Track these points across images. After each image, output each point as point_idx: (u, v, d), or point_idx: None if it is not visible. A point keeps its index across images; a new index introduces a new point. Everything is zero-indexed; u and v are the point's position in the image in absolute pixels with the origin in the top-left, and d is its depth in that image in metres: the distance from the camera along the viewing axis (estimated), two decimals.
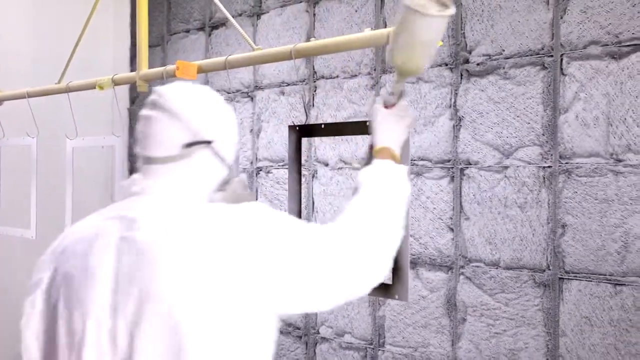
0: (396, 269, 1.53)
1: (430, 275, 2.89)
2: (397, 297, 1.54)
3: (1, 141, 3.11)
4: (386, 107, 1.42)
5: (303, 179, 3.39)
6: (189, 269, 1.05)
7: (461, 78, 2.80)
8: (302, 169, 3.41)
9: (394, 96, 1.42)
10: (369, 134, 1.44)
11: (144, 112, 1.23)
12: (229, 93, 3.81)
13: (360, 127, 1.58)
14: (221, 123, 1.25)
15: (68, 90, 2.41)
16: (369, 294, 1.62)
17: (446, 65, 2.84)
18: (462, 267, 2.79)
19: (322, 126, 1.68)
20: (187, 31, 4.13)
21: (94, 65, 4.06)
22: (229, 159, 1.26)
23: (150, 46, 4.39)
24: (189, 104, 1.22)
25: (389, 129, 1.39)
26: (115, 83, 2.21)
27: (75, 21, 3.87)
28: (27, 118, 2.94)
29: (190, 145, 1.19)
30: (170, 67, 2.01)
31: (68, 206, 2.46)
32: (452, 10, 1.27)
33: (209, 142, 1.21)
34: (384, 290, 1.57)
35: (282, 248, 1.10)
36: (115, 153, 2.26)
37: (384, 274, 1.21)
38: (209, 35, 3.97)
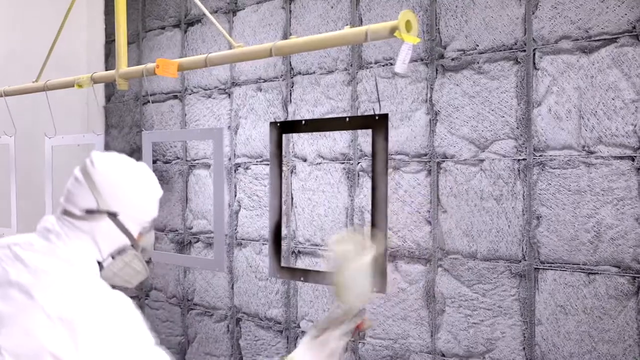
0: (375, 263, 1.56)
1: (409, 268, 2.93)
2: (375, 289, 1.57)
3: None
4: (317, 335, 1.50)
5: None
6: (40, 327, 1.14)
7: (436, 73, 2.84)
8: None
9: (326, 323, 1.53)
10: (349, 129, 1.50)
11: (76, 170, 1.39)
12: (206, 90, 3.81)
13: (340, 124, 1.60)
14: (132, 199, 1.37)
15: (46, 88, 2.40)
16: None
17: (422, 60, 2.88)
18: (440, 259, 2.83)
19: (304, 122, 1.71)
20: (163, 28, 4.11)
21: (68, 63, 4.03)
22: (134, 231, 1.39)
23: None
24: (107, 177, 1.35)
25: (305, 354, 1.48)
26: (95, 81, 2.20)
27: (47, 18, 3.84)
28: (3, 117, 2.91)
29: (90, 212, 1.32)
30: (150, 65, 2.01)
31: (48, 204, 2.45)
32: (368, 258, 1.49)
33: (112, 214, 1.34)
34: None
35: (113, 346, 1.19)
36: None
37: None
38: (185, 32, 3.96)
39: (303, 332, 3.35)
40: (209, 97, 3.80)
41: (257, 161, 3.54)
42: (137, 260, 1.42)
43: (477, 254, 2.72)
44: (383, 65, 3.01)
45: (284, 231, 3.41)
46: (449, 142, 2.80)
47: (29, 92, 2.51)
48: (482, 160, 2.70)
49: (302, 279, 1.76)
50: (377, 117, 1.56)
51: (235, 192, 3.66)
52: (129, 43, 4.31)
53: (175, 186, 4.00)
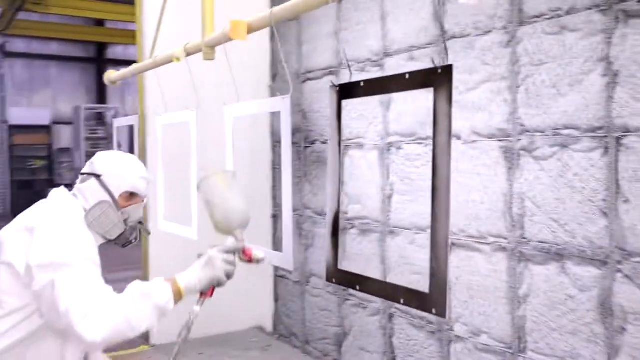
0: (434, 276, 1.14)
1: (579, 270, 2.34)
2: (434, 311, 1.15)
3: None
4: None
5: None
6: (9, 238, 1.67)
7: (617, 22, 2.19)
8: None
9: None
10: (408, 89, 1.10)
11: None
12: (359, 63, 3.49)
13: (400, 82, 1.20)
14: (113, 168, 1.85)
15: (155, 65, 2.31)
16: (405, 304, 1.30)
17: (597, 7, 2.25)
18: (620, 262, 2.21)
19: (362, 84, 1.32)
20: None
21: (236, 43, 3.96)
22: (115, 192, 1.82)
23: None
24: (100, 156, 1.89)
25: (197, 274, 1.69)
26: (187, 53, 2.04)
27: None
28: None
29: (84, 174, 1.86)
30: (226, 29, 1.78)
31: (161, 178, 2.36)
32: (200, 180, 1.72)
33: (97, 175, 1.82)
34: (420, 299, 1.19)
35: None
36: (190, 127, 2.09)
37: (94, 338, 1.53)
38: (340, 2, 3.67)
39: (457, 337, 2.90)
40: (362, 70, 3.48)
41: (409, 140, 3.15)
42: (112, 212, 1.77)
43: None
44: (548, 19, 2.42)
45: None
46: (633, 110, 2.15)
47: (142, 72, 2.45)
48: None
49: (357, 287, 1.40)
50: (439, 71, 1.13)
51: (388, 175, 3.30)
52: (289, 18, 4.14)
53: None
